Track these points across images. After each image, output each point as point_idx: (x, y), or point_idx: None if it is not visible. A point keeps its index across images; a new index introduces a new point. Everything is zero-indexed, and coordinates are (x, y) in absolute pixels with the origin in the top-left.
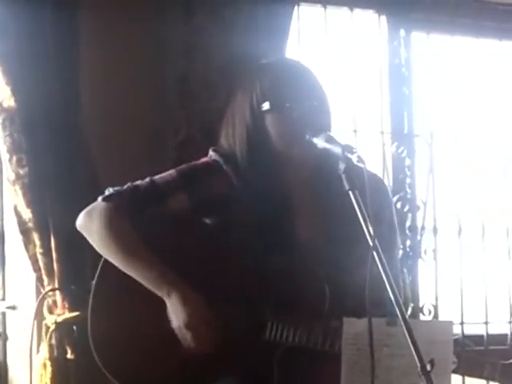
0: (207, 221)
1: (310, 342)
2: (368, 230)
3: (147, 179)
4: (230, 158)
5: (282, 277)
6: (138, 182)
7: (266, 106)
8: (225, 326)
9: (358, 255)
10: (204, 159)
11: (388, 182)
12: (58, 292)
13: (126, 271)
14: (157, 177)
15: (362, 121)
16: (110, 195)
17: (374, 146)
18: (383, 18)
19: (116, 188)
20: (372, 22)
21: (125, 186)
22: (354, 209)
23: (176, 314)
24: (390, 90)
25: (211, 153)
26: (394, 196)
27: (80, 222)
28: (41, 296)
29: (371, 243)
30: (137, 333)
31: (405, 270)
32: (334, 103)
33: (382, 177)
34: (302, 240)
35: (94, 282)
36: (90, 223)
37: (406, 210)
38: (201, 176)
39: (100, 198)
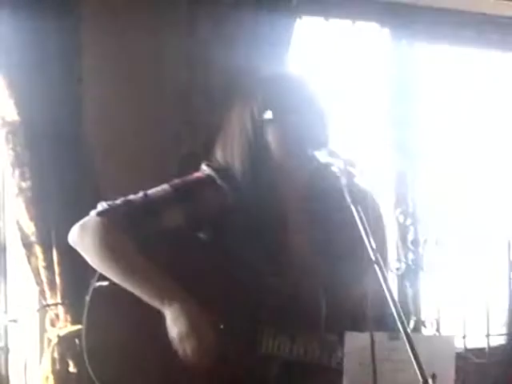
0: (202, 235)
1: (306, 355)
2: (370, 244)
3: (141, 193)
4: (225, 172)
5: (278, 291)
6: (132, 197)
7: (267, 115)
8: (223, 338)
9: (354, 269)
10: (197, 174)
11: (390, 194)
12: (60, 305)
13: (123, 285)
14: (150, 191)
15: (365, 133)
16: (104, 210)
17: (376, 159)
18: (386, 30)
19: (109, 202)
20: (374, 34)
21: (118, 201)
22: (351, 223)
23: (175, 325)
24: (392, 102)
25: (204, 167)
26: (395, 209)
27: (73, 237)
28: (39, 308)
29: (373, 257)
30: (131, 346)
31: (407, 284)
32: (336, 115)
33: (384, 190)
34: (298, 254)
35: (88, 296)
36: (83, 239)
37: (408, 223)
38: (195, 191)
39: (93, 213)
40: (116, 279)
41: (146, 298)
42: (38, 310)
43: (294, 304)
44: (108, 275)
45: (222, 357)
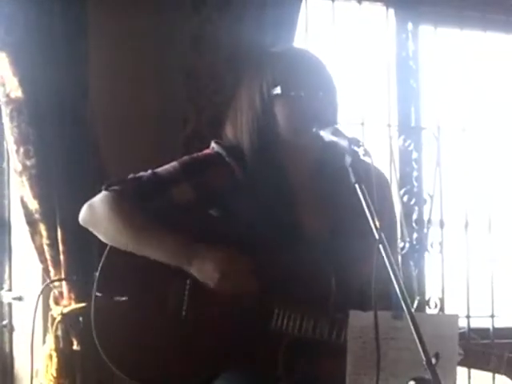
0: (211, 212)
1: (315, 333)
2: (374, 224)
3: (149, 171)
4: (233, 150)
5: (288, 269)
6: (141, 174)
7: (277, 90)
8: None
9: (363, 248)
10: (206, 151)
11: (395, 175)
12: (64, 283)
13: (139, 252)
14: (159, 169)
15: (369, 114)
16: (113, 186)
17: (381, 139)
18: (391, 10)
19: (119, 179)
20: (380, 14)
21: (127, 177)
22: (359, 202)
23: (209, 273)
24: (397, 83)
25: (213, 145)
26: (400, 189)
27: (83, 215)
28: (44, 285)
29: (377, 236)
30: (140, 323)
31: (411, 263)
32: (342, 96)
33: (388, 170)
34: (307, 232)
35: (97, 272)
36: (94, 215)
37: (412, 203)
38: (203, 167)
39: (102, 189)
40: (130, 245)
41: (165, 257)
42: (43, 288)
43: (303, 282)
44: (122, 243)
45: (229, 335)
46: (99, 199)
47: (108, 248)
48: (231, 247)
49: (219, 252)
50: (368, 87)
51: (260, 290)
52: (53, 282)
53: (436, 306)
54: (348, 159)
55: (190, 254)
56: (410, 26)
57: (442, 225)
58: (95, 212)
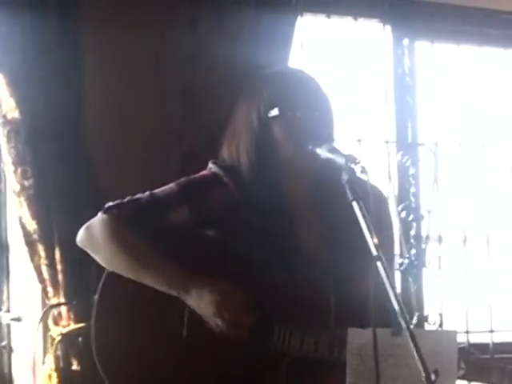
0: (209, 233)
1: (316, 351)
2: (372, 240)
3: (147, 193)
4: (231, 170)
5: (287, 287)
6: (138, 196)
7: (274, 112)
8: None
9: (362, 265)
10: (203, 172)
11: (393, 191)
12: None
13: (136, 279)
14: (157, 190)
15: (367, 130)
16: (110, 207)
17: (378, 155)
18: (387, 27)
19: (117, 202)
20: (376, 31)
21: (125, 199)
22: (357, 219)
23: (204, 304)
24: (394, 99)
25: (211, 165)
26: (398, 205)
27: (81, 237)
28: (45, 309)
29: (374, 253)
30: (140, 344)
31: (410, 279)
32: (339, 112)
33: (386, 186)
34: (306, 250)
35: (96, 295)
36: (91, 238)
37: (410, 219)
38: (201, 189)
39: (100, 213)
40: (128, 272)
41: (162, 286)
42: (44, 312)
43: (303, 300)
44: (119, 269)
45: (230, 355)
46: (97, 223)
47: (106, 270)
48: (230, 277)
49: (216, 285)
50: (365, 104)
51: (259, 309)
52: (53, 306)
53: (435, 322)
54: (345, 176)
55: (188, 285)
56: (406, 41)
57: (440, 240)
58: (93, 236)
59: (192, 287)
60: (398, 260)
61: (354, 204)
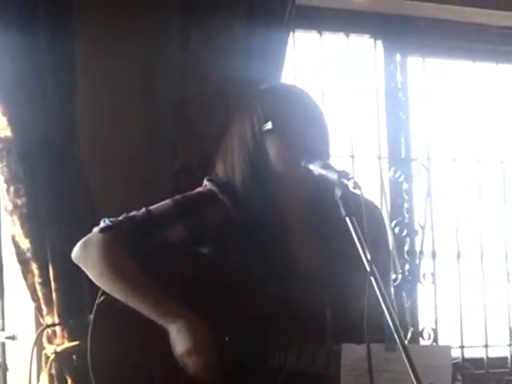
0: (205, 250)
1: (313, 366)
2: (365, 256)
3: (143, 210)
4: (226, 187)
5: (283, 303)
6: (134, 213)
7: (267, 126)
8: (228, 353)
9: (357, 280)
10: (199, 189)
11: (386, 206)
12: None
13: (125, 302)
14: (153, 207)
15: (359, 146)
16: (106, 227)
17: (371, 171)
18: (379, 43)
19: (112, 219)
20: (368, 47)
21: (120, 217)
22: (351, 235)
23: (179, 342)
24: (386, 115)
25: (206, 182)
26: (392, 221)
27: (76, 253)
28: (40, 330)
29: (368, 269)
30: (136, 362)
31: (404, 295)
32: (331, 128)
33: (379, 202)
34: (301, 266)
35: (92, 313)
36: (86, 255)
37: (404, 234)
38: (197, 206)
39: (96, 230)
40: (118, 296)
41: (148, 314)
42: (38, 333)
43: (299, 316)
44: (110, 292)
45: (227, 372)
46: (93, 242)
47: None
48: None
49: (190, 330)
50: (357, 119)
51: (257, 324)
52: (48, 327)
53: (429, 337)
54: (338, 192)
55: (168, 319)
56: (398, 57)
57: (433, 255)
58: (87, 255)
59: (172, 324)
60: (392, 275)
61: (348, 220)
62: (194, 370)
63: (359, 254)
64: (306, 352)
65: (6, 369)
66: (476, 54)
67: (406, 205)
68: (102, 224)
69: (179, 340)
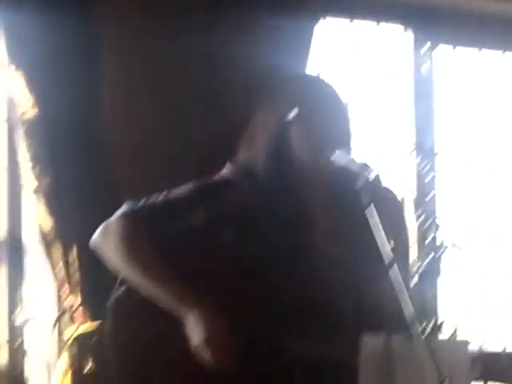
0: (225, 236)
1: (331, 356)
2: (385, 246)
3: (164, 194)
4: (248, 172)
5: (302, 292)
6: (155, 197)
7: (291, 116)
8: (245, 342)
9: (377, 270)
10: (221, 174)
11: (410, 197)
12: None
13: (141, 290)
14: (173, 191)
15: (386, 135)
16: (127, 211)
17: (397, 161)
18: (409, 31)
19: (133, 203)
20: (398, 35)
21: (141, 202)
22: (370, 226)
23: (195, 332)
24: (414, 104)
25: (228, 166)
26: (415, 211)
27: (95, 239)
28: (59, 313)
29: (388, 259)
30: (157, 347)
31: (425, 286)
32: (358, 117)
33: (404, 192)
34: (321, 256)
35: (111, 298)
36: (105, 241)
37: (426, 225)
38: (217, 190)
39: (116, 214)
40: (136, 282)
41: (165, 303)
42: (58, 316)
43: (317, 304)
44: (128, 276)
45: (243, 359)
46: (113, 228)
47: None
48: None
49: (207, 322)
50: (385, 107)
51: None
52: (68, 309)
53: (449, 330)
54: (359, 183)
55: (185, 309)
56: (428, 45)
57: (456, 248)
58: (107, 239)
59: (188, 315)
60: (413, 267)
61: (368, 211)
62: (209, 360)
63: (377, 245)
64: (323, 343)
65: (24, 351)
66: (506, 43)
67: (430, 196)
68: (123, 208)
69: (195, 330)
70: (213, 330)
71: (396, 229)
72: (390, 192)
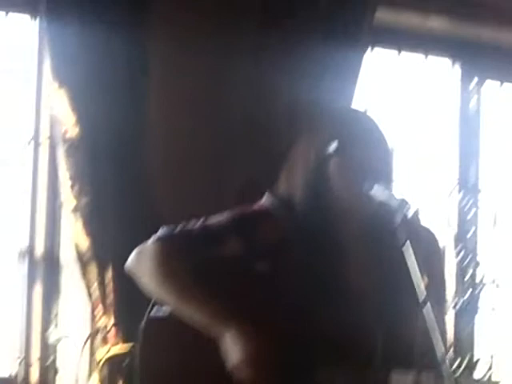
0: (259, 267)
1: None
2: (420, 285)
3: (200, 222)
4: (286, 203)
5: (334, 328)
6: (192, 224)
7: (332, 148)
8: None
9: (410, 309)
10: (258, 204)
11: (451, 233)
12: (111, 325)
13: (177, 312)
14: (210, 220)
15: (429, 169)
16: (163, 237)
17: (439, 196)
18: (457, 65)
19: (169, 229)
20: (446, 69)
21: (178, 228)
22: (406, 263)
23: (233, 351)
24: (459, 139)
25: (266, 197)
26: (455, 247)
27: (130, 262)
28: (91, 332)
29: (422, 298)
30: (187, 370)
31: (462, 323)
32: (402, 148)
33: (445, 227)
34: (354, 290)
35: (145, 318)
36: (140, 265)
37: (466, 262)
38: (255, 221)
39: (152, 240)
40: (170, 305)
41: (201, 325)
42: (90, 335)
43: (349, 340)
44: (162, 300)
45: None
46: (148, 251)
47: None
48: (275, 315)
49: (246, 340)
50: (430, 142)
51: (307, 345)
52: (101, 328)
53: (485, 368)
54: (397, 220)
55: (222, 330)
56: (475, 80)
57: (495, 285)
58: (141, 263)
59: (225, 335)
60: (451, 303)
61: (405, 248)
62: (245, 381)
63: (413, 283)
64: (353, 377)
65: (56, 369)
66: None
67: (470, 233)
68: (159, 232)
69: (232, 350)
70: (251, 349)
71: (432, 268)
72: (428, 231)
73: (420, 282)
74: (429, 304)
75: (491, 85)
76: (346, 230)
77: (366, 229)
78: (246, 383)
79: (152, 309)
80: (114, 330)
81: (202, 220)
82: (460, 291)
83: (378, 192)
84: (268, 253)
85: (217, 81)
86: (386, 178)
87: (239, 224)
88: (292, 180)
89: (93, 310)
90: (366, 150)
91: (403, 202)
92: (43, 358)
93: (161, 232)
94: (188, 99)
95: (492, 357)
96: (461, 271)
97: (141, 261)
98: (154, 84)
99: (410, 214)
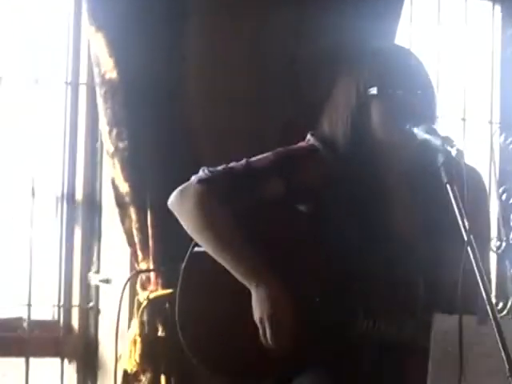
0: (301, 207)
1: (402, 336)
2: (464, 225)
3: (243, 162)
4: (329, 143)
5: (376, 268)
6: (234, 165)
7: (373, 90)
8: (314, 316)
9: (454, 249)
10: (301, 143)
11: (494, 172)
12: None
13: (214, 257)
14: (253, 160)
15: (472, 110)
16: (205, 178)
17: (481, 136)
18: (497, 7)
19: (211, 169)
20: (486, 11)
21: (220, 168)
22: (450, 202)
23: (260, 306)
24: (501, 80)
25: (309, 137)
26: (499, 187)
27: (172, 201)
28: (131, 274)
29: (466, 238)
30: (224, 318)
31: (507, 263)
32: (444, 91)
33: (488, 167)
34: (397, 232)
35: (183, 264)
36: (181, 204)
37: (511, 201)
38: (297, 161)
39: (194, 179)
40: (208, 248)
41: (235, 273)
42: (130, 277)
43: (390, 284)
44: (201, 242)
45: (310, 336)
46: (189, 192)
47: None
48: (316, 257)
49: (274, 298)
50: (471, 83)
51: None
52: (141, 272)
53: None
54: (440, 158)
55: (255, 281)
56: None
57: None
58: (182, 203)
59: (256, 289)
60: (495, 243)
61: (448, 187)
62: (269, 337)
63: (455, 223)
64: (394, 322)
65: (98, 312)
66: None
67: None
68: (200, 173)
69: (258, 305)
70: (275, 308)
71: (477, 206)
72: (473, 170)
73: (464, 222)
74: (474, 245)
75: None
76: (390, 169)
77: (410, 167)
78: (267, 338)
79: (192, 251)
80: (153, 274)
81: (243, 161)
82: (503, 234)
83: (421, 130)
84: (311, 193)
85: (258, 22)
86: (429, 117)
87: (282, 164)
88: (335, 120)
89: (133, 255)
90: (409, 89)
91: (447, 140)
92: (84, 301)
93: (202, 172)
94: (227, 41)
95: None
96: (504, 213)
97: (181, 200)
98: (192, 25)
99: (454, 152)
